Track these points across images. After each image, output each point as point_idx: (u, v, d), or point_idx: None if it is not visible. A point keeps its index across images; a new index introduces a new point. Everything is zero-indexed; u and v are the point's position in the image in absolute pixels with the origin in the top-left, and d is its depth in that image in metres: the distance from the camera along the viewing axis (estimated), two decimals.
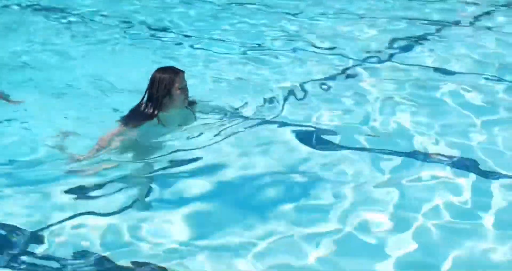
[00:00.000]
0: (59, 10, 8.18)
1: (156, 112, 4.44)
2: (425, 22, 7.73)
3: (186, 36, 7.24)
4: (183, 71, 4.51)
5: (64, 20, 7.80)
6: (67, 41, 6.99)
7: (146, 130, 4.44)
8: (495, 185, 3.92)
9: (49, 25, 7.63)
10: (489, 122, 4.84)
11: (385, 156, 4.31)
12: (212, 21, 7.88)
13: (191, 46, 6.87)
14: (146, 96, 4.48)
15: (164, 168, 4.25)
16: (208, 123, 4.76)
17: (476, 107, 5.15)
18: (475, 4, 8.57)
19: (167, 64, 4.83)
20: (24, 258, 3.25)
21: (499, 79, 5.80)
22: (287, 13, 8.09)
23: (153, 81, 4.46)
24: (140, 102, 4.50)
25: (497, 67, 6.12)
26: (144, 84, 4.51)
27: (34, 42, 6.87)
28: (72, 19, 7.85)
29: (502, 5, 8.47)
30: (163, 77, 4.44)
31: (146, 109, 4.45)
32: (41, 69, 6.03)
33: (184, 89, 4.49)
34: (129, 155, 4.38)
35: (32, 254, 3.27)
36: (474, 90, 5.47)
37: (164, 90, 4.43)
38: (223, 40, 7.06)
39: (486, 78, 5.80)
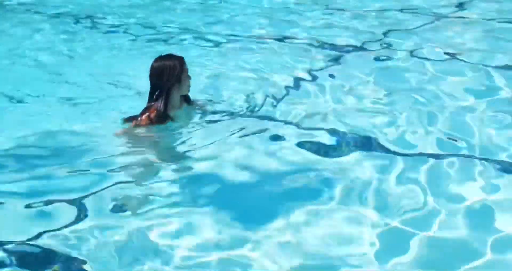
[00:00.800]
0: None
1: (168, 109, 4.42)
2: None
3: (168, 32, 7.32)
4: (182, 56, 4.52)
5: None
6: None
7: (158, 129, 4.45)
8: None
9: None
10: None
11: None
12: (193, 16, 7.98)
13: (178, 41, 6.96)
14: (152, 89, 4.42)
15: (166, 168, 4.24)
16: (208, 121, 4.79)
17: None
18: None
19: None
20: None
21: None
22: None
23: (161, 70, 4.37)
24: (149, 100, 4.46)
25: None
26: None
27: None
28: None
29: None
30: (171, 64, 4.38)
31: (158, 106, 4.40)
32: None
33: (188, 74, 4.51)
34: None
35: None
36: None
37: (175, 77, 4.38)
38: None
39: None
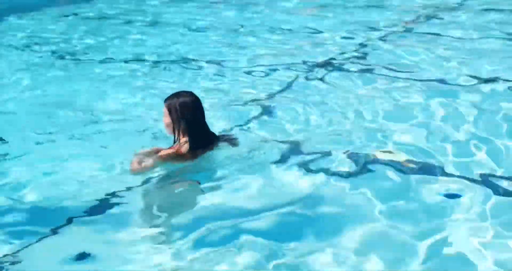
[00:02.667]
0: None
1: (190, 149, 4.42)
2: None
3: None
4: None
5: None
6: None
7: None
8: None
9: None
10: None
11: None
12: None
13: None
14: (175, 129, 4.42)
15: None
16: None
17: None
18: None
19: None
20: None
21: None
22: None
23: (183, 107, 4.38)
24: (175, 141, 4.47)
25: None
26: None
27: None
28: None
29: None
30: (188, 101, 4.42)
31: (181, 147, 4.42)
32: None
33: None
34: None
35: None
36: None
37: (195, 114, 4.42)
38: None
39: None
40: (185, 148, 4.42)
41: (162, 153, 4.44)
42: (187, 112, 4.39)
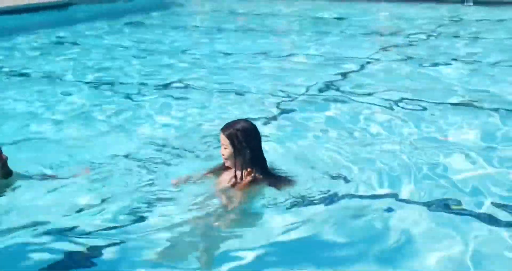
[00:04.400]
0: None
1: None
2: None
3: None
4: None
5: None
6: None
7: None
8: None
9: None
10: None
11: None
12: None
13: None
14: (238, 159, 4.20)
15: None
16: None
17: None
18: None
19: None
20: None
21: None
22: None
23: (250, 133, 4.22)
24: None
25: None
26: None
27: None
28: None
29: None
30: (248, 127, 4.23)
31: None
32: None
33: None
34: None
35: None
36: None
37: (258, 141, 4.26)
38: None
39: None
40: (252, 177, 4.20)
41: (241, 188, 4.20)
42: (250, 140, 4.19)
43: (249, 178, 4.19)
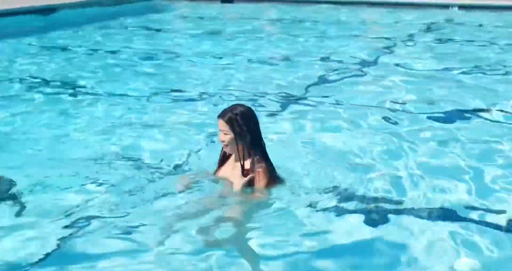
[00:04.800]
0: None
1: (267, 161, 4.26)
2: None
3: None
4: None
5: None
6: None
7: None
8: None
9: None
10: None
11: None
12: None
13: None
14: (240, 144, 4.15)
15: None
16: None
17: None
18: None
19: None
20: None
21: None
22: None
23: (249, 117, 4.18)
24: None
25: None
26: None
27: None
28: None
29: None
30: (246, 111, 4.19)
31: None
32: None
33: None
34: None
35: None
36: None
37: (257, 125, 4.24)
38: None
39: None
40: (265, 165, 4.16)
41: (263, 180, 4.17)
42: (250, 124, 4.15)
43: (262, 171, 4.17)
